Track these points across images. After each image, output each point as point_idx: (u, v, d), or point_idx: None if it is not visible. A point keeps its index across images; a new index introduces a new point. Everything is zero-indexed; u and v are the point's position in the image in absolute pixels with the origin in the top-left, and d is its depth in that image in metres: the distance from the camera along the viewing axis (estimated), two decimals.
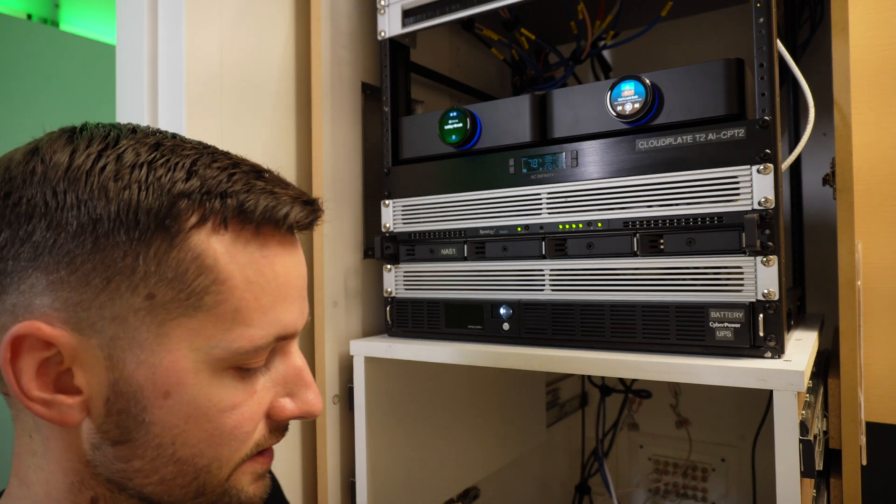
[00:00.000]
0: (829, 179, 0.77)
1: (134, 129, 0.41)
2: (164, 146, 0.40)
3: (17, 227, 0.36)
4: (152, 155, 0.39)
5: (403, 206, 0.85)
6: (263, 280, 0.40)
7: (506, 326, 0.76)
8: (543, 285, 0.74)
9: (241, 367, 0.40)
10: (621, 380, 1.31)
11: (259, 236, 0.40)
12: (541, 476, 1.36)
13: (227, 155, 0.42)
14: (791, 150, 0.74)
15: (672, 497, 1.35)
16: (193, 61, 0.75)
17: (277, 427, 0.44)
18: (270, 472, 0.61)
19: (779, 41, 0.64)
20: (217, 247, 0.38)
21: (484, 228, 0.78)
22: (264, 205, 0.40)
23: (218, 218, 0.38)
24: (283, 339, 0.42)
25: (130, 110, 0.76)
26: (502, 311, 0.77)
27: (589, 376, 1.41)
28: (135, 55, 0.76)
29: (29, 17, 1.89)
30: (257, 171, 0.42)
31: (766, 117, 0.62)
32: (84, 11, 2.02)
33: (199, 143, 0.43)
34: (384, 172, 0.87)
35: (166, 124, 0.73)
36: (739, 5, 1.13)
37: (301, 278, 0.44)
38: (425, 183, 0.83)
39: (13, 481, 0.42)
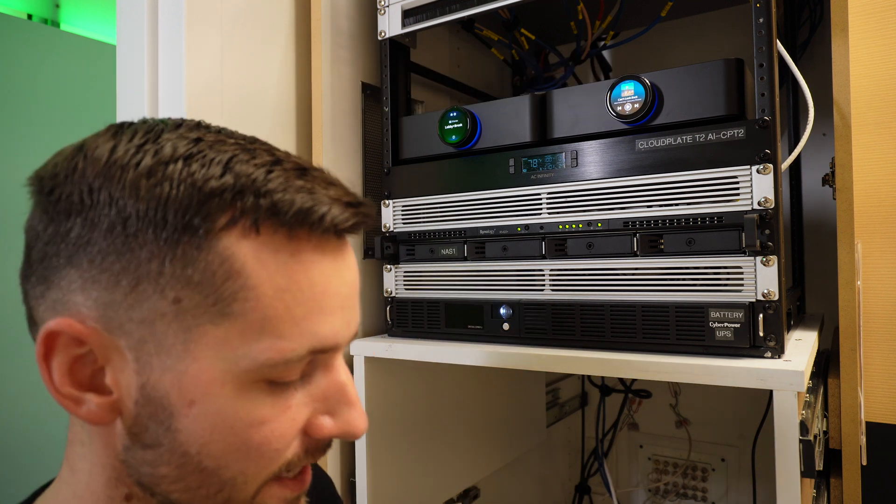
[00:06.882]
0: (828, 179, 0.77)
1: (179, 124, 0.39)
2: (205, 141, 0.38)
3: (59, 224, 0.36)
4: (190, 149, 0.36)
5: (403, 206, 0.85)
6: (296, 288, 0.37)
7: (506, 326, 0.76)
8: (543, 285, 0.74)
9: (274, 381, 0.38)
10: (621, 380, 1.31)
11: (293, 240, 0.37)
12: (541, 476, 1.36)
13: (271, 151, 0.39)
14: (791, 151, 0.74)
15: (672, 497, 1.35)
16: (194, 61, 0.75)
17: (316, 446, 0.41)
18: (322, 472, 0.59)
19: (778, 41, 0.64)
20: (247, 250, 0.36)
21: (484, 228, 0.78)
22: (299, 206, 0.36)
23: (249, 219, 0.36)
24: (320, 353, 0.39)
25: (130, 110, 0.76)
26: (502, 311, 0.77)
27: (589, 376, 1.41)
28: (135, 55, 0.76)
29: (29, 17, 1.89)
30: (301, 169, 0.38)
31: (766, 117, 0.62)
32: (84, 11, 2.02)
33: (249, 137, 0.40)
34: (384, 172, 0.87)
35: None
36: (739, 5, 1.13)
37: (346, 286, 0.41)
38: (425, 183, 0.83)
39: (65, 466, 0.42)
